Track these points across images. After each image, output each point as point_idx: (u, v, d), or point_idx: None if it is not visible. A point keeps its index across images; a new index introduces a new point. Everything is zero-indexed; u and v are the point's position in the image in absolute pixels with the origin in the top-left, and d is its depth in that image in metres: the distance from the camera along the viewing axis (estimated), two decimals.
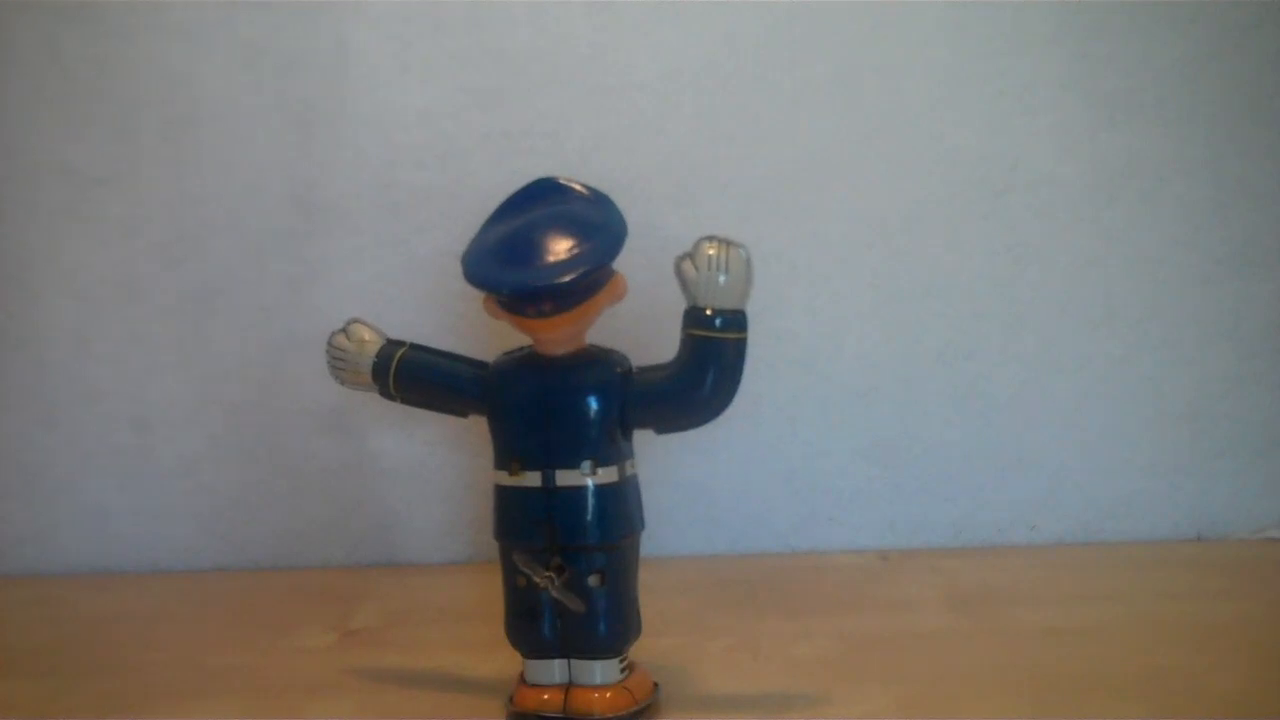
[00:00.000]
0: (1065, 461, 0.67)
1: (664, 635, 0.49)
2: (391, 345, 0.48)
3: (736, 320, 0.43)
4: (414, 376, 0.48)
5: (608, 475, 0.44)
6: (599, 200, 0.46)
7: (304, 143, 0.66)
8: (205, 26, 0.65)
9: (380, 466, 0.68)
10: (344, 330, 0.49)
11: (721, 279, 0.43)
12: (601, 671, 0.46)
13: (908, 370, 0.67)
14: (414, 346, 0.48)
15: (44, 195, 0.67)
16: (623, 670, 0.46)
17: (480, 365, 0.47)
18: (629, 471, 0.45)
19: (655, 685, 0.47)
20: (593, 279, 0.44)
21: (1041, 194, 0.65)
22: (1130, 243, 0.66)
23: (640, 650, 0.47)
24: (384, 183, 0.66)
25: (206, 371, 0.68)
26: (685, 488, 0.67)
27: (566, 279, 0.43)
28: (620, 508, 0.45)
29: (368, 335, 0.49)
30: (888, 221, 0.66)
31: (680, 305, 0.44)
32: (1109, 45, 0.64)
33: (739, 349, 0.44)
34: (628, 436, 0.46)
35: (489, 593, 0.49)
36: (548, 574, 0.45)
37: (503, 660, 0.48)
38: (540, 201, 0.46)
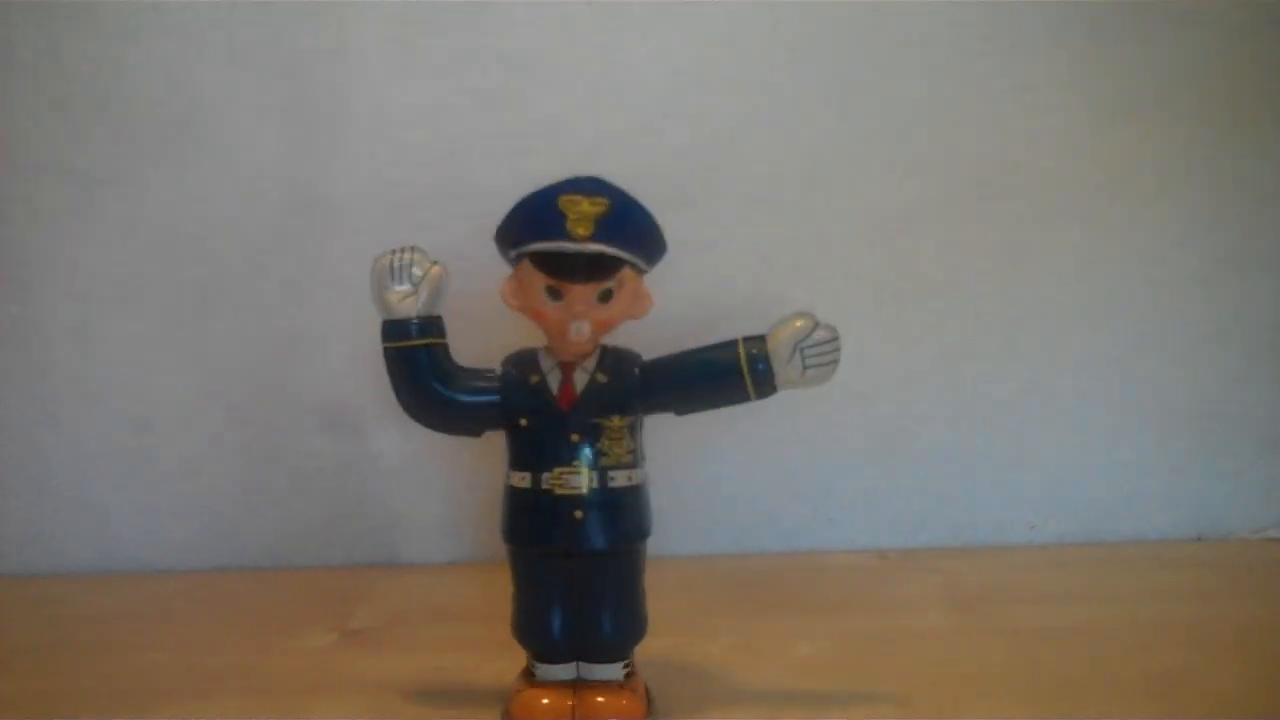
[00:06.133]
0: (1065, 461, 0.67)
1: (664, 635, 0.49)
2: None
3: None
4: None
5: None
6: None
7: (304, 143, 0.66)
8: (205, 26, 0.65)
9: (380, 466, 0.68)
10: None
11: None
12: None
13: (908, 370, 0.67)
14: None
15: (45, 195, 0.67)
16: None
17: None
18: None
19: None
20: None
21: (1041, 194, 0.65)
22: (1130, 243, 0.66)
23: (641, 650, 0.47)
24: (384, 183, 0.66)
25: (206, 371, 0.68)
26: (685, 488, 0.67)
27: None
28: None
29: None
30: (888, 221, 0.66)
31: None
32: (1109, 45, 0.64)
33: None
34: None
35: (489, 593, 0.49)
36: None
37: (503, 660, 0.48)
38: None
